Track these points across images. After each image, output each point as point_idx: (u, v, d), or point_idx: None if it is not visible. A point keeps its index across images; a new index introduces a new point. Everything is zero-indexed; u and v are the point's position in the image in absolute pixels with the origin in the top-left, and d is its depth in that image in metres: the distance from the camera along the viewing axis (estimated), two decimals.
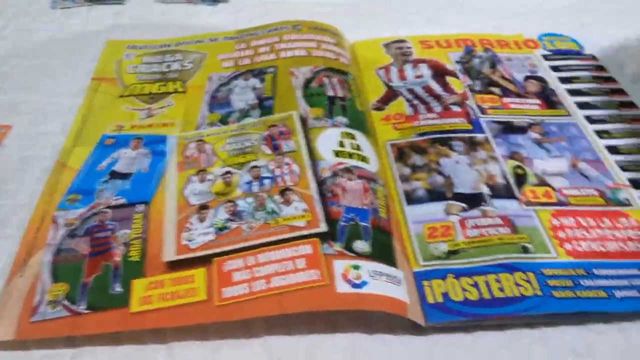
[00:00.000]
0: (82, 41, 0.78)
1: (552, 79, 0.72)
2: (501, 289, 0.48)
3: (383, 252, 0.50)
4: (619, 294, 0.48)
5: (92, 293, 0.47)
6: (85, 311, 0.45)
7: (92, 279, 0.48)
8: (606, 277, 0.50)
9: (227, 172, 0.57)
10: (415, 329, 0.46)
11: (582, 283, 0.49)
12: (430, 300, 0.48)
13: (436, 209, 0.55)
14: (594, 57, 0.77)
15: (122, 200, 0.54)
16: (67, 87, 0.70)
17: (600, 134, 0.65)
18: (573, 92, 0.70)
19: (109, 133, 0.62)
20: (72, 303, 0.46)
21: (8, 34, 0.79)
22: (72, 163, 0.59)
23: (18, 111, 0.66)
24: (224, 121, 0.64)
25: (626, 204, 0.56)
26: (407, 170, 0.59)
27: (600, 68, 0.75)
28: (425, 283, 0.49)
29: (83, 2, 0.85)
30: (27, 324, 0.45)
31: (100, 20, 0.83)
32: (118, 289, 0.47)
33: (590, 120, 0.66)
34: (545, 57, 0.76)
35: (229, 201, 0.53)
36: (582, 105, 0.68)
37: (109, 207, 0.54)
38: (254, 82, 0.69)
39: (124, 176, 0.57)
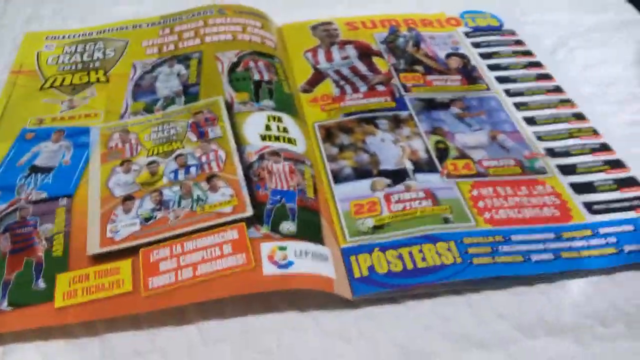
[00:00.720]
0: None
1: (474, 55, 0.75)
2: (424, 259, 0.50)
3: (310, 231, 0.51)
4: (535, 257, 0.51)
5: (14, 290, 0.46)
6: (8, 308, 0.45)
7: (14, 276, 0.47)
8: (522, 242, 0.52)
9: (153, 162, 0.56)
10: (347, 304, 0.48)
11: (500, 249, 0.51)
12: (357, 274, 0.49)
13: (362, 186, 0.57)
14: (513, 33, 0.80)
15: (44, 195, 0.53)
16: None
17: (519, 106, 0.67)
18: (493, 67, 0.73)
19: (29, 127, 0.61)
20: None
21: None
22: None
23: None
24: (148, 109, 0.63)
25: (542, 172, 0.59)
26: (334, 150, 0.61)
27: (519, 42, 0.78)
28: (352, 258, 0.51)
29: None
30: None
31: (18, 11, 0.80)
32: (41, 284, 0.46)
33: (509, 93, 0.69)
34: (467, 34, 0.79)
35: (155, 191, 0.53)
36: (502, 80, 0.71)
37: (30, 202, 0.53)
38: (179, 68, 0.68)
39: (45, 170, 0.56)
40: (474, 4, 0.84)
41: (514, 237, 0.53)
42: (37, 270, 0.47)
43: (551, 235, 0.53)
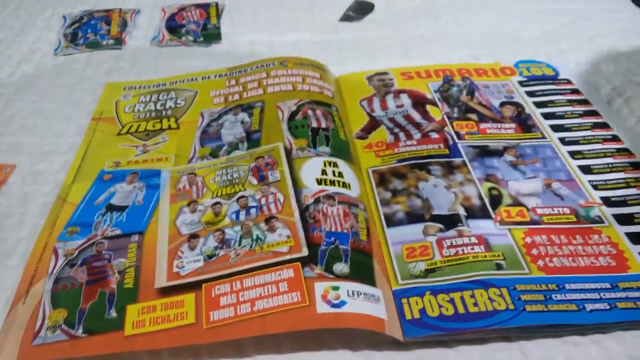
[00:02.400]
0: (82, 84, 0.83)
1: (528, 103, 0.76)
2: (475, 304, 0.51)
3: (362, 272, 0.53)
4: (589, 307, 0.50)
5: (88, 318, 0.50)
6: (82, 335, 0.48)
7: (89, 305, 0.51)
8: (577, 291, 0.52)
9: (217, 203, 0.60)
10: (397, 344, 0.49)
11: (553, 297, 0.51)
12: (408, 316, 0.50)
13: (415, 230, 0.58)
14: (569, 81, 0.80)
15: (118, 231, 0.58)
16: (68, 127, 0.74)
17: (574, 154, 0.68)
18: (548, 116, 0.74)
19: (107, 169, 0.66)
20: (70, 327, 0.49)
21: (14, 80, 0.84)
22: (72, 198, 0.62)
23: (22, 151, 0.70)
24: (214, 154, 0.67)
25: (598, 221, 0.59)
26: (387, 195, 0.63)
27: (576, 91, 0.78)
28: (404, 300, 0.52)
29: (84, 49, 0.90)
30: (28, 348, 0.48)
31: (99, 64, 0.87)
32: (113, 314, 0.50)
33: (564, 142, 0.69)
34: (522, 83, 0.80)
35: (218, 230, 0.57)
36: (557, 128, 0.72)
37: (105, 237, 0.57)
38: (243, 116, 0.73)
39: (120, 209, 0.61)
40: (529, 54, 0.86)
41: (568, 286, 0.52)
42: (109, 301, 0.51)
43: (607, 285, 0.52)
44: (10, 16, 1.00)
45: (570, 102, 0.76)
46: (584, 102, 0.76)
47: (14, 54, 0.90)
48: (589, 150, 0.68)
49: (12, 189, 0.65)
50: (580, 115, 0.74)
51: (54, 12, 1.01)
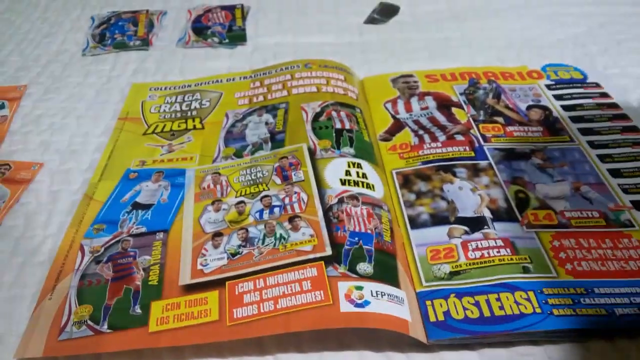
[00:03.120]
0: (109, 85, 0.84)
1: (556, 107, 0.75)
2: (501, 307, 0.50)
3: (386, 273, 0.52)
4: (619, 311, 0.49)
5: (113, 314, 0.50)
6: (107, 331, 0.49)
7: (114, 301, 0.51)
8: (606, 295, 0.51)
9: (241, 202, 0.60)
10: (420, 346, 0.49)
11: (582, 301, 0.50)
12: (432, 318, 0.50)
13: (439, 232, 0.58)
14: (597, 85, 0.79)
15: (143, 229, 0.58)
16: (95, 127, 0.75)
17: (603, 158, 0.66)
18: (576, 119, 0.72)
19: (133, 167, 0.67)
20: (96, 323, 0.49)
21: (43, 80, 0.85)
22: (98, 196, 0.63)
23: (50, 150, 0.72)
24: (238, 154, 0.68)
25: (628, 225, 0.58)
26: (412, 196, 0.62)
27: (605, 95, 0.77)
28: (428, 302, 0.51)
29: (111, 49, 0.92)
30: (54, 342, 0.48)
31: (126, 65, 0.88)
32: (138, 310, 0.50)
33: (593, 145, 0.68)
34: (549, 87, 0.79)
35: (242, 228, 0.57)
36: (585, 131, 0.70)
37: (130, 235, 0.58)
38: (267, 117, 0.73)
39: (145, 207, 0.61)
40: (556, 58, 0.85)
41: (597, 290, 0.51)
42: (134, 297, 0.51)
43: (637, 290, 0.51)
44: (39, 18, 1.02)
45: (599, 106, 0.75)
46: (614, 105, 0.75)
47: (42, 55, 0.91)
48: (618, 154, 0.67)
49: (40, 186, 0.66)
50: (610, 119, 0.72)
51: (82, 14, 1.03)
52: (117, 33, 0.95)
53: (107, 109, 0.79)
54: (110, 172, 0.67)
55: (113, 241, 0.57)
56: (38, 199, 0.65)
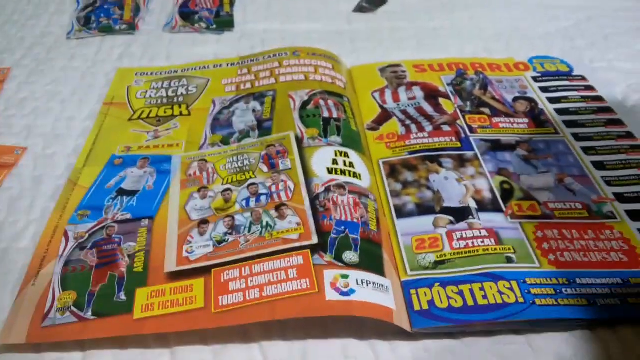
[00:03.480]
0: (94, 69, 0.83)
1: (542, 99, 0.75)
2: (485, 297, 0.50)
3: (371, 262, 0.53)
4: (600, 301, 0.50)
5: (98, 301, 0.50)
6: (91, 317, 0.49)
7: (99, 288, 0.51)
8: (588, 285, 0.52)
9: (227, 189, 0.60)
10: (404, 335, 0.49)
11: (564, 292, 0.51)
12: (417, 307, 0.50)
13: (425, 222, 0.58)
14: (583, 78, 0.80)
15: (128, 216, 0.58)
16: (80, 111, 0.74)
17: (587, 150, 0.67)
18: (561, 112, 0.73)
19: (118, 154, 0.66)
20: (80, 310, 0.49)
21: (27, 62, 0.84)
22: (83, 182, 0.62)
23: (34, 134, 0.71)
24: (225, 142, 0.67)
25: (611, 217, 0.59)
26: (398, 186, 0.62)
27: (590, 88, 0.78)
28: (413, 291, 0.52)
29: (97, 33, 0.90)
30: (37, 329, 0.48)
31: (112, 49, 0.87)
32: (122, 297, 0.50)
33: (578, 137, 0.69)
34: (535, 79, 0.79)
35: (228, 216, 0.57)
36: (570, 124, 0.71)
37: (115, 221, 0.57)
38: (254, 104, 0.73)
39: (130, 193, 0.61)
40: (543, 50, 0.85)
41: (579, 281, 0.52)
42: (119, 284, 0.51)
43: (618, 281, 0.52)
44: None
45: (585, 99, 0.75)
46: (599, 98, 0.75)
47: (26, 37, 0.90)
48: (602, 147, 0.67)
49: (23, 171, 0.66)
50: (594, 112, 0.73)
51: None
52: (102, 16, 0.94)
53: (92, 93, 0.78)
54: (95, 158, 0.66)
55: (98, 227, 0.57)
56: (21, 184, 0.64)
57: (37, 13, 0.96)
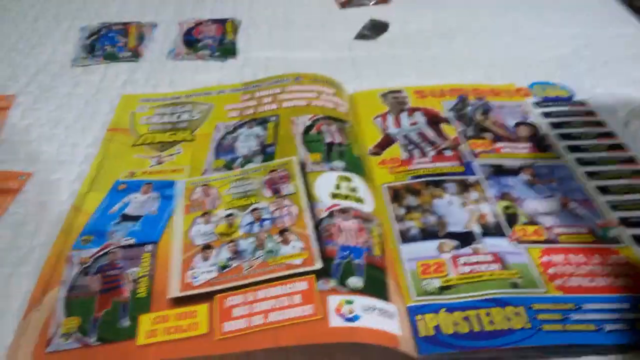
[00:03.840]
0: (99, 95, 0.84)
1: (544, 124, 0.76)
2: (491, 322, 0.50)
3: (376, 287, 0.52)
4: (607, 327, 0.50)
5: (102, 326, 0.50)
6: (95, 343, 0.48)
7: (102, 314, 0.51)
8: (595, 311, 0.51)
9: (231, 214, 0.60)
10: None
11: (571, 317, 0.51)
12: (423, 333, 0.50)
13: (429, 247, 0.58)
14: (583, 103, 0.80)
15: (132, 241, 0.58)
16: (84, 137, 0.75)
17: (591, 175, 0.67)
18: (564, 136, 0.73)
19: (122, 179, 0.67)
20: (84, 335, 0.49)
21: (32, 89, 0.85)
22: (87, 207, 0.62)
23: (39, 160, 0.71)
24: (228, 167, 0.68)
25: (616, 241, 0.58)
26: (402, 211, 0.62)
27: (591, 113, 0.78)
28: (419, 317, 0.51)
29: (101, 61, 0.92)
30: (41, 355, 0.48)
31: (116, 76, 0.88)
32: (126, 323, 0.50)
33: (581, 162, 0.69)
34: (537, 104, 0.80)
35: (231, 241, 0.57)
36: (573, 149, 0.71)
37: (119, 247, 0.57)
38: (257, 130, 0.73)
39: (134, 218, 0.61)
40: (543, 76, 0.86)
41: (586, 306, 0.52)
42: (123, 310, 0.51)
43: (626, 306, 0.52)
44: (28, 28, 1.02)
45: (586, 124, 0.76)
46: (600, 123, 0.76)
47: (31, 64, 0.91)
48: (605, 171, 0.67)
49: (28, 197, 0.66)
50: (596, 137, 0.73)
51: (72, 25, 1.02)
52: (107, 44, 0.95)
53: (96, 119, 0.78)
54: (99, 183, 0.66)
55: (102, 252, 0.56)
56: (26, 209, 0.64)
57: (42, 41, 0.98)
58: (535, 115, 0.77)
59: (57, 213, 0.63)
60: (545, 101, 0.81)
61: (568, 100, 0.81)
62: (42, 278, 0.55)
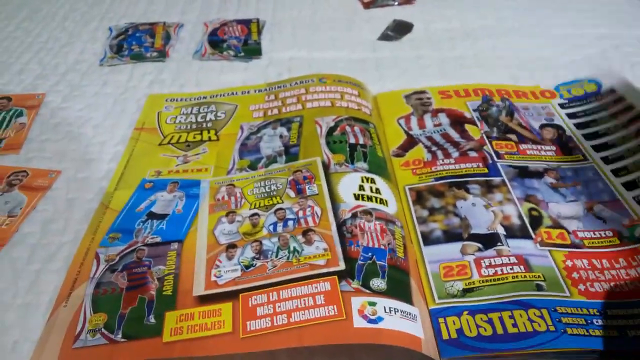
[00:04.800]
0: (126, 95, 0.85)
1: (569, 125, 0.75)
2: (515, 325, 0.50)
3: (399, 289, 0.52)
4: (631, 333, 0.49)
5: (128, 323, 0.50)
6: (122, 340, 0.49)
7: (129, 311, 0.52)
8: (619, 317, 0.51)
9: (255, 214, 0.61)
10: None
11: (595, 322, 0.50)
12: (445, 336, 0.50)
13: (452, 249, 0.58)
14: (613, 91, 0.78)
15: (158, 239, 0.59)
16: (112, 136, 0.76)
17: (617, 172, 0.66)
18: (589, 137, 0.72)
19: (148, 178, 0.68)
20: (110, 332, 0.50)
21: (61, 88, 0.87)
22: (114, 205, 0.64)
23: (67, 158, 0.73)
24: (252, 167, 0.68)
25: None
26: (424, 213, 0.62)
27: (620, 100, 0.77)
28: (441, 320, 0.51)
29: (128, 60, 0.93)
30: (69, 350, 0.49)
31: (143, 76, 0.90)
32: (152, 320, 0.51)
33: (607, 160, 0.68)
34: (562, 106, 0.79)
35: (255, 241, 0.57)
36: (599, 148, 0.70)
37: (145, 245, 0.58)
38: (282, 130, 0.74)
39: (160, 217, 0.62)
40: (570, 77, 0.85)
41: (609, 312, 0.51)
42: (148, 307, 0.52)
43: None
44: (58, 27, 1.04)
45: (614, 115, 0.74)
46: (629, 108, 0.74)
47: (60, 64, 0.93)
48: (633, 163, 0.66)
49: (57, 194, 0.67)
50: (624, 125, 0.72)
51: (100, 25, 1.04)
52: (134, 44, 0.96)
53: (123, 118, 0.80)
54: (126, 182, 0.67)
55: (128, 250, 0.58)
56: (55, 206, 0.66)
57: (70, 41, 1.00)
58: (561, 117, 0.77)
59: (85, 211, 0.64)
60: (570, 102, 0.80)
61: (596, 94, 0.80)
62: (70, 275, 0.56)
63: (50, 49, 0.97)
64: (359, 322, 0.48)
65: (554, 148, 0.71)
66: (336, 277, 0.52)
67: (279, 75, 0.88)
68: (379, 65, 0.91)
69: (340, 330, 0.48)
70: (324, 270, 0.53)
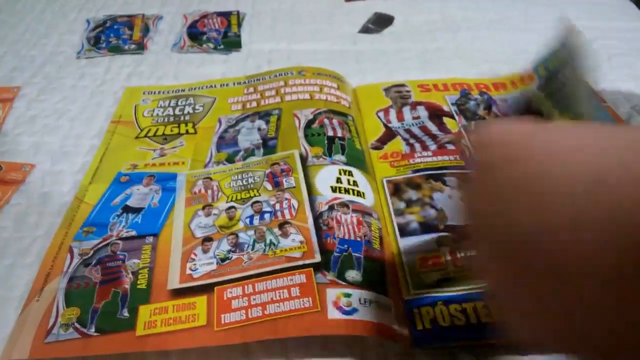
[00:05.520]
0: (103, 87, 0.84)
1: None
2: (488, 315, 0.50)
3: (374, 281, 0.52)
4: None
5: (101, 317, 0.50)
6: (95, 334, 0.49)
7: (102, 305, 0.51)
8: None
9: (231, 207, 0.60)
10: (406, 354, 0.49)
11: None
12: (419, 326, 0.50)
13: (428, 240, 0.58)
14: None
15: (133, 233, 0.58)
16: (88, 129, 0.75)
17: None
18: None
19: (124, 171, 0.67)
20: (83, 326, 0.49)
21: (37, 80, 0.85)
22: (89, 199, 0.63)
23: (42, 151, 0.72)
24: (230, 160, 0.68)
25: None
26: (402, 205, 0.62)
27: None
28: (415, 310, 0.51)
29: (106, 53, 0.92)
30: (41, 345, 0.48)
31: (121, 68, 0.89)
32: (125, 314, 0.50)
33: None
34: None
35: (232, 234, 0.57)
36: None
37: (120, 238, 0.58)
38: (260, 123, 0.73)
39: (135, 210, 0.61)
40: None
41: None
42: (122, 301, 0.51)
43: None
44: (35, 19, 1.02)
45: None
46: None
47: (37, 56, 0.91)
48: None
49: (30, 188, 0.66)
50: None
51: (78, 16, 1.03)
52: (112, 36, 0.95)
53: (100, 111, 0.79)
54: (102, 175, 0.67)
55: (102, 244, 0.57)
56: (29, 200, 0.65)
57: (47, 32, 0.98)
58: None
59: (59, 204, 0.64)
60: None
61: None
62: (43, 269, 0.55)
63: (27, 41, 0.96)
64: (333, 314, 0.48)
65: None
66: (312, 269, 0.52)
67: (259, 68, 0.87)
68: (360, 58, 0.90)
69: (315, 322, 0.48)
70: (300, 262, 0.53)
